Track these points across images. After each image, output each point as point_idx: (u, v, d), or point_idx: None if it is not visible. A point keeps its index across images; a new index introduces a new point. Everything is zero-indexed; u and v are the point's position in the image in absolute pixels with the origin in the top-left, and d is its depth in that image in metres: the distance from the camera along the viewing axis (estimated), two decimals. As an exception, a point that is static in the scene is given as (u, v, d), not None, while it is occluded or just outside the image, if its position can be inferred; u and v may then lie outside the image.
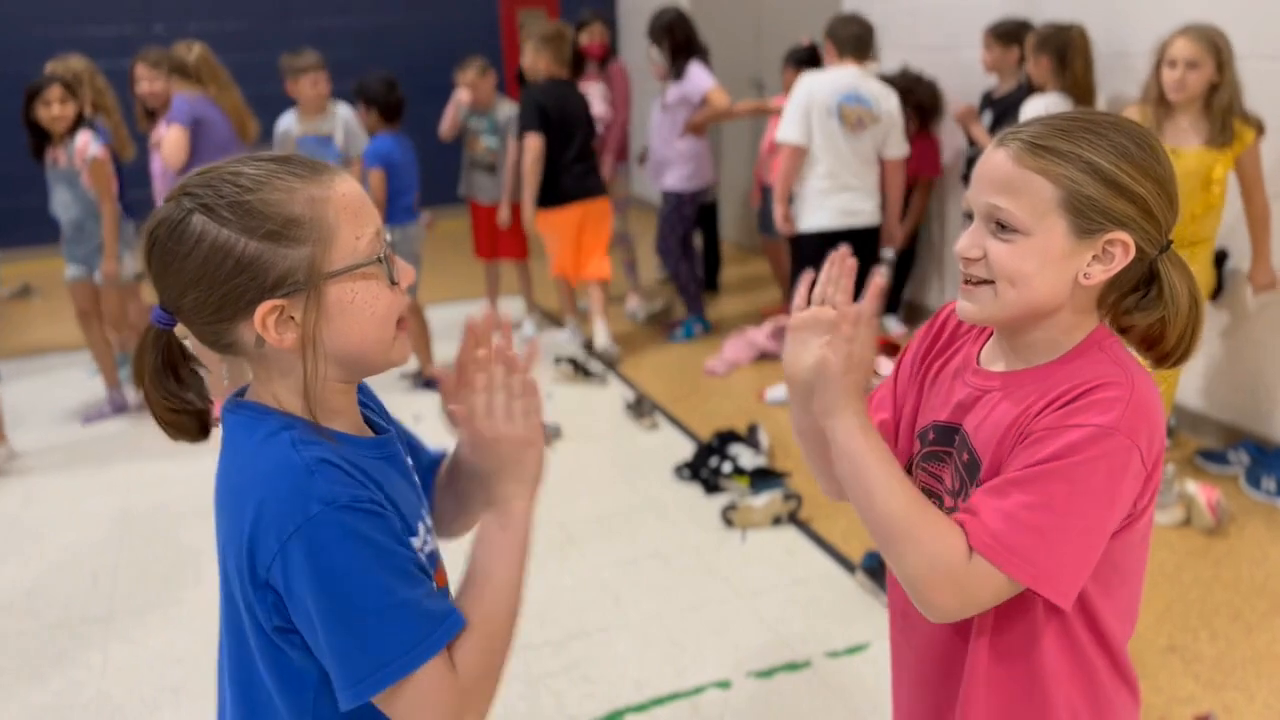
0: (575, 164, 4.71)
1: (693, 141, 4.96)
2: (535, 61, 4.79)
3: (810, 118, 4.03)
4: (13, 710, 2.56)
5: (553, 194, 4.71)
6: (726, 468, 3.60)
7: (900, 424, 1.30)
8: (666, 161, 5.02)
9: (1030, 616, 1.11)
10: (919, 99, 4.85)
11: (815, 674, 2.57)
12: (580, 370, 4.71)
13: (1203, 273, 3.32)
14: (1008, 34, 4.27)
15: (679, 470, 3.69)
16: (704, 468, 3.64)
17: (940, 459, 1.20)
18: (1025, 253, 1.06)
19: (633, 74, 6.40)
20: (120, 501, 3.61)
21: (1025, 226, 1.06)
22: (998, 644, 1.13)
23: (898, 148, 4.19)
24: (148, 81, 4.60)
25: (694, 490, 3.59)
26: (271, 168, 0.99)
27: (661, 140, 5.02)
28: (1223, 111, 3.08)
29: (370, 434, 1.12)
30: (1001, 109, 4.30)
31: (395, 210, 4.42)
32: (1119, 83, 3.95)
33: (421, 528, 1.10)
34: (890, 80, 4.67)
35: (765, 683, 2.55)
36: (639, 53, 6.72)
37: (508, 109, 5.13)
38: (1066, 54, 3.81)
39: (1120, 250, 1.06)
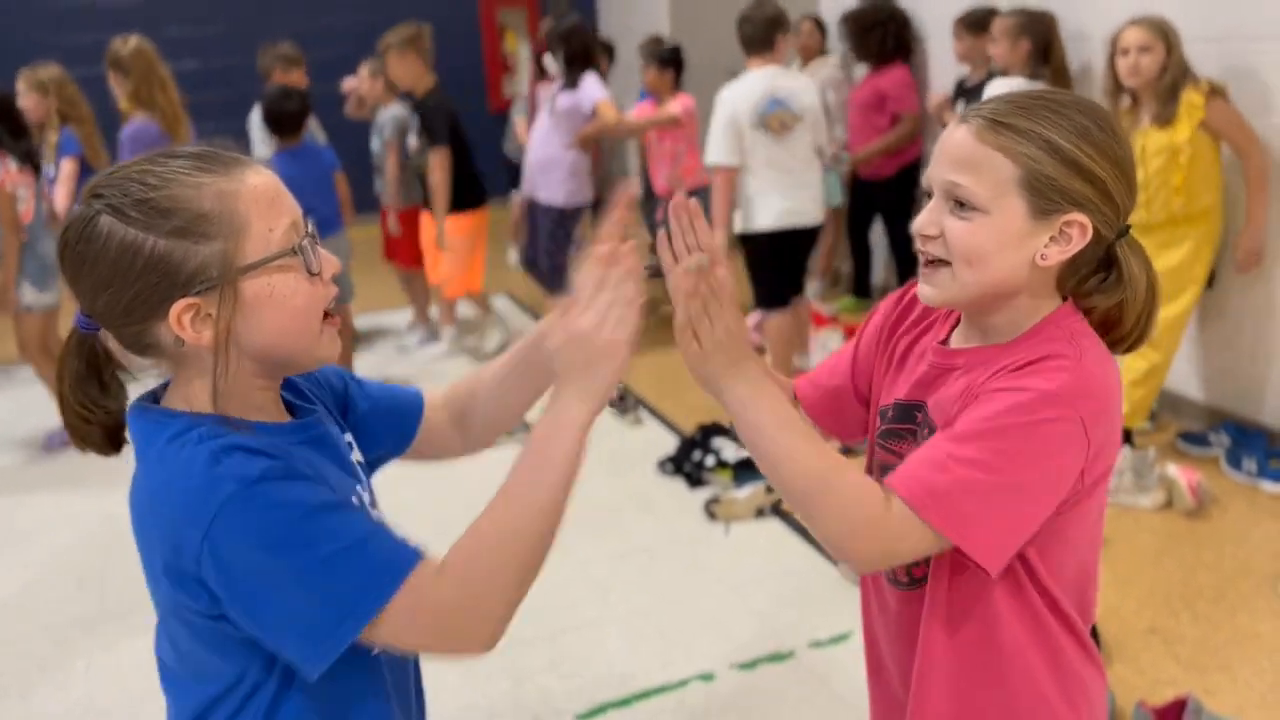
0: (472, 167, 4.77)
1: (578, 155, 4.73)
2: (404, 69, 4.57)
3: (738, 135, 3.91)
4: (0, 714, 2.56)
5: (471, 196, 4.73)
6: (709, 461, 3.60)
7: (859, 393, 1.29)
8: (548, 171, 4.75)
9: (978, 583, 1.10)
10: (884, 30, 4.81)
11: (799, 664, 2.58)
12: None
13: (1204, 249, 3.36)
14: (977, 23, 4.35)
15: (662, 465, 3.70)
16: (687, 461, 3.64)
17: (901, 436, 1.19)
18: (983, 232, 1.05)
19: (621, 77, 6.38)
20: (106, 505, 3.58)
21: (984, 204, 1.05)
22: (950, 615, 1.13)
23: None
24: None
25: (678, 484, 3.60)
26: (180, 164, 0.98)
27: (544, 148, 4.75)
28: (1168, 89, 3.22)
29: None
30: (975, 97, 4.33)
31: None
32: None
33: (354, 502, 1.08)
34: (852, 15, 4.83)
35: (749, 674, 2.55)
36: (625, 52, 6.72)
37: (390, 111, 5.05)
38: (1051, 43, 3.87)
39: (1077, 232, 1.06)
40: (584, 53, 4.68)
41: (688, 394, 4.43)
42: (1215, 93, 3.21)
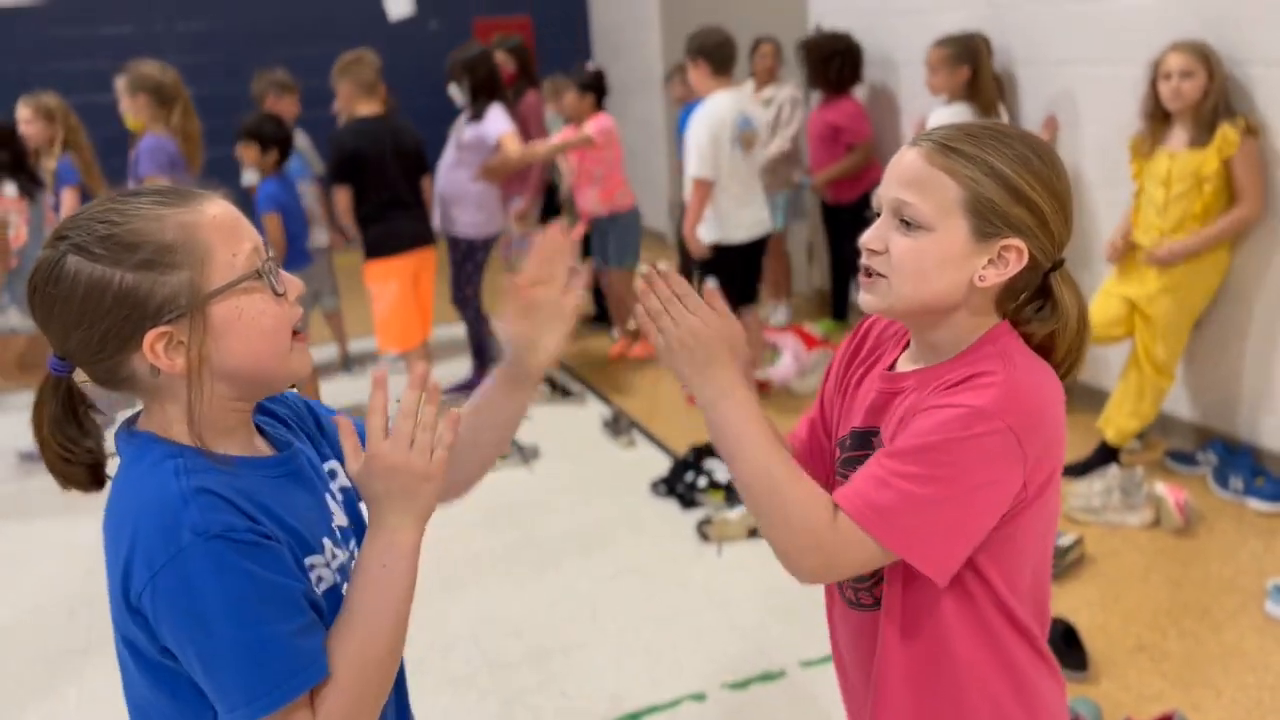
0: (396, 207, 4.31)
1: (485, 187, 4.59)
2: (341, 98, 4.36)
3: (720, 151, 4.14)
4: (-11, 744, 2.56)
5: (391, 241, 4.31)
6: (702, 482, 3.62)
7: (827, 430, 1.33)
8: (456, 204, 4.61)
9: (931, 597, 1.14)
10: (843, 60, 4.95)
11: (790, 683, 2.59)
12: (558, 390, 4.74)
13: (1215, 271, 3.41)
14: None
15: (655, 486, 3.71)
16: (680, 483, 3.66)
17: (859, 463, 1.21)
18: (926, 248, 1.10)
19: (612, 106, 6.37)
20: (96, 533, 3.60)
21: (929, 223, 1.10)
22: (905, 632, 1.16)
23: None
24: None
25: (670, 505, 3.61)
26: (141, 200, 1.01)
27: (451, 181, 4.62)
28: (1209, 114, 3.25)
29: (268, 452, 1.12)
30: None
31: (291, 254, 4.35)
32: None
33: (328, 542, 1.10)
34: (812, 42, 5.00)
35: (740, 694, 2.56)
36: (612, 77, 6.78)
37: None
38: (980, 65, 3.98)
39: (1014, 256, 1.11)
40: (489, 82, 4.55)
41: (680, 416, 4.45)
42: (1250, 132, 3.24)
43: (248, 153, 4.43)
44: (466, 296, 4.73)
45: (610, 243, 5.08)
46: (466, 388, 4.72)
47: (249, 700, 0.95)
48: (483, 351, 4.83)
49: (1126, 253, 3.50)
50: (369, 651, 1.00)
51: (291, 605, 0.98)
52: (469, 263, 4.69)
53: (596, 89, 5.03)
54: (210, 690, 0.97)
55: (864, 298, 1.17)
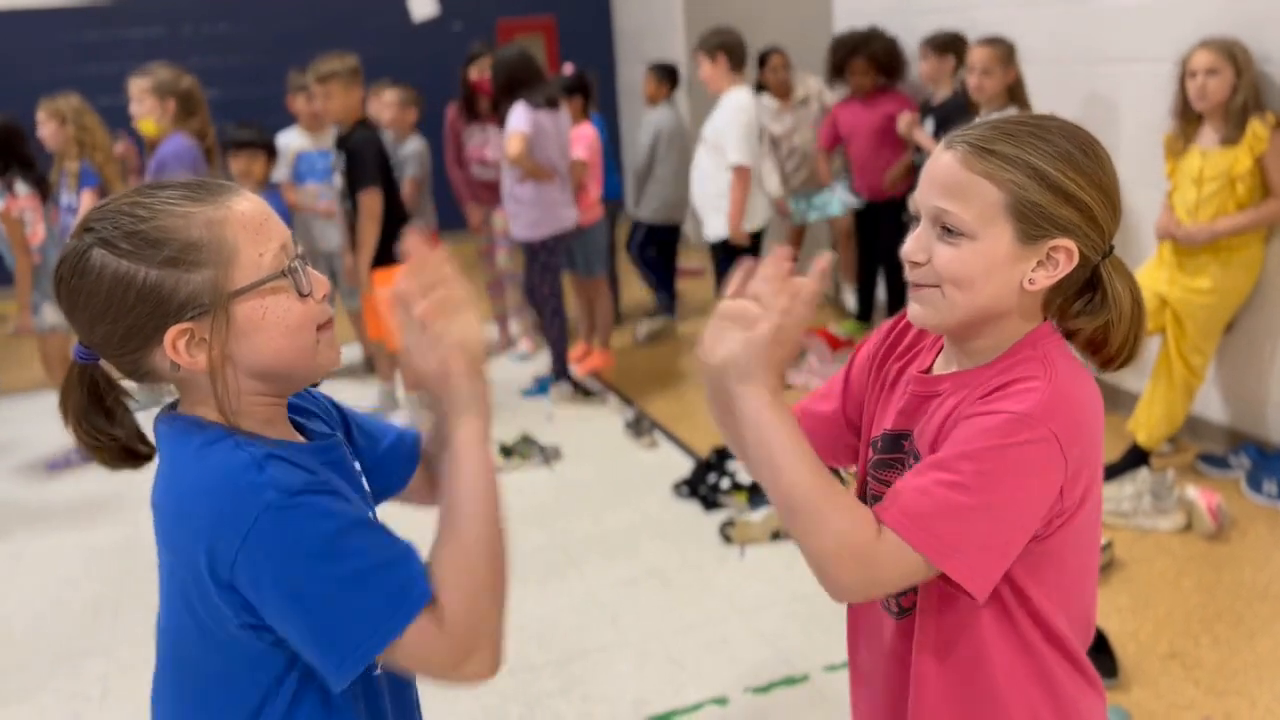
0: (404, 213, 4.38)
1: (534, 187, 4.47)
2: (349, 100, 4.16)
3: (752, 140, 4.38)
4: (13, 742, 2.57)
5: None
6: (725, 484, 3.60)
7: (850, 420, 1.28)
8: (510, 210, 4.61)
9: (967, 613, 1.10)
10: (876, 52, 4.95)
11: (813, 688, 2.56)
12: (579, 390, 4.73)
13: (1248, 272, 3.36)
14: (943, 45, 4.46)
15: (678, 488, 3.69)
16: (702, 484, 3.64)
17: (891, 466, 1.19)
18: (970, 257, 1.06)
19: (627, 100, 6.39)
20: (123, 532, 3.62)
21: (971, 230, 1.05)
22: (941, 646, 1.13)
23: None
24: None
25: (693, 507, 3.59)
26: (169, 194, 1.00)
27: (506, 187, 4.62)
28: (1238, 111, 3.21)
29: (304, 441, 1.11)
30: (942, 115, 4.37)
31: None
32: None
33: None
34: (848, 38, 5.02)
35: (763, 698, 2.54)
36: (634, 78, 6.77)
37: (412, 145, 5.00)
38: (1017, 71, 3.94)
39: (1064, 257, 1.06)
40: (506, 84, 4.44)
41: (703, 417, 4.43)
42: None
43: (255, 165, 4.44)
44: (540, 298, 4.71)
45: (577, 252, 5.03)
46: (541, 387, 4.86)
47: (368, 633, 0.94)
48: (556, 346, 4.81)
49: (1162, 242, 3.44)
50: (477, 545, 1.00)
51: (380, 534, 0.99)
52: (535, 262, 4.65)
53: (581, 90, 5.08)
54: (318, 642, 0.95)
55: (914, 310, 1.11)
